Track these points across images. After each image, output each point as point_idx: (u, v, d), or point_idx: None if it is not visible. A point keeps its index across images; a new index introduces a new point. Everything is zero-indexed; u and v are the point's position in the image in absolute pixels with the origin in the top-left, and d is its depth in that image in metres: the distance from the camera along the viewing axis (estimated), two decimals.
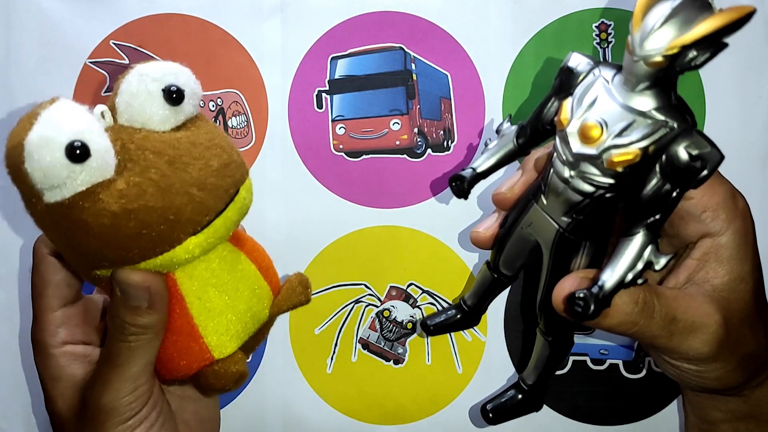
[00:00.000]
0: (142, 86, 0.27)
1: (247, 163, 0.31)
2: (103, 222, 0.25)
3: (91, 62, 0.44)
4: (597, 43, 0.44)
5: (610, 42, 0.44)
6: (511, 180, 0.33)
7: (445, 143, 0.45)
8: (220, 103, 0.45)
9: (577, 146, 0.26)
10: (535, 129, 0.31)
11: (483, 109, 0.45)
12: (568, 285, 0.28)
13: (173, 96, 0.27)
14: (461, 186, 0.33)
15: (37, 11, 0.44)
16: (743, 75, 0.43)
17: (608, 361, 0.45)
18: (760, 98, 0.43)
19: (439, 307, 0.45)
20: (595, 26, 0.44)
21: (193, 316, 0.30)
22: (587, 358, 0.45)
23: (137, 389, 0.30)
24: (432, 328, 0.38)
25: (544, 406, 0.44)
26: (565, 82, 0.28)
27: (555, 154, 0.28)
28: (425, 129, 0.45)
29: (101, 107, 0.27)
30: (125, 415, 0.29)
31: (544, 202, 0.29)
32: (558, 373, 0.44)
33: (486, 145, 0.33)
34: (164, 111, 0.27)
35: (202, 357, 0.30)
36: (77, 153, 0.24)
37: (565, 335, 0.32)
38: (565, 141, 0.27)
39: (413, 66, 0.45)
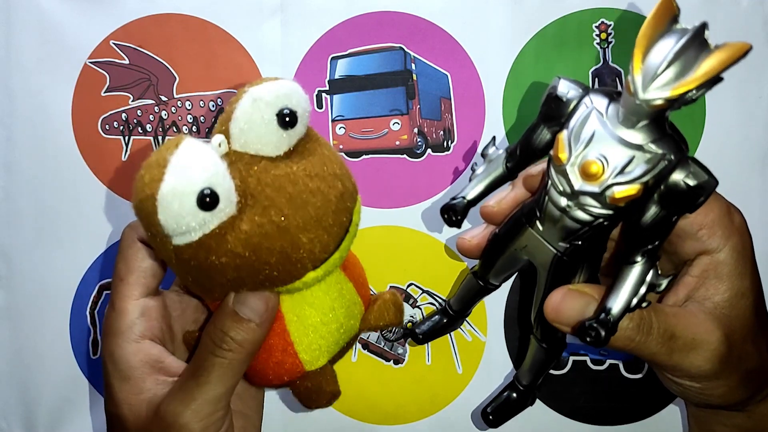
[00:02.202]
0: (257, 113, 0.27)
1: None
2: (228, 262, 0.26)
3: (91, 62, 0.44)
4: (597, 43, 0.44)
5: (610, 42, 0.44)
6: (500, 194, 0.33)
7: (445, 143, 0.45)
8: (220, 103, 0.45)
9: (578, 183, 0.26)
10: (525, 154, 0.31)
11: (483, 109, 0.45)
12: (556, 298, 0.29)
13: (286, 119, 0.27)
14: (454, 216, 0.33)
15: (37, 11, 0.44)
16: (743, 75, 0.43)
17: (608, 361, 0.44)
18: (760, 98, 0.43)
19: (439, 307, 0.45)
20: (595, 26, 0.44)
21: (290, 333, 0.30)
22: (587, 358, 0.45)
23: (216, 413, 0.29)
24: (421, 336, 0.38)
25: (545, 406, 0.44)
26: (555, 110, 0.28)
27: (550, 183, 0.28)
28: (425, 129, 0.45)
29: (219, 138, 0.27)
30: None
31: (540, 227, 0.29)
32: (558, 373, 0.45)
33: (473, 170, 0.33)
34: (278, 137, 0.27)
35: (294, 370, 0.31)
36: (207, 201, 0.24)
37: (559, 342, 0.33)
38: (564, 176, 0.27)
39: (413, 66, 0.45)
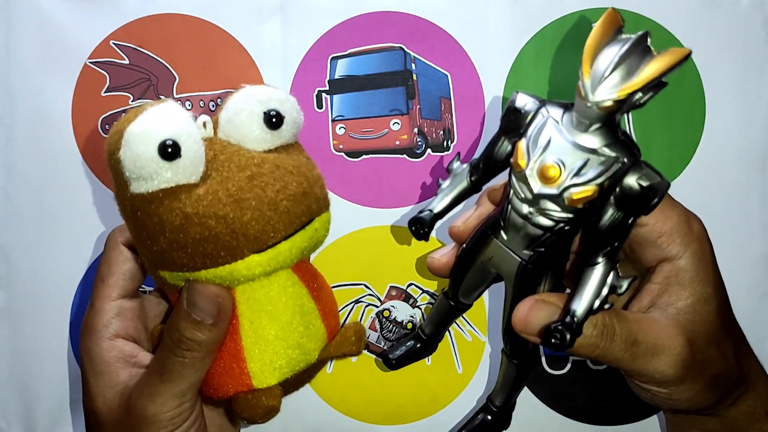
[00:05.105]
0: (246, 105, 0.29)
1: None
2: (174, 221, 0.26)
3: (91, 62, 0.44)
4: None
5: None
6: (466, 214, 0.34)
7: (445, 143, 0.45)
8: (220, 103, 0.45)
9: (537, 187, 0.27)
10: (488, 166, 0.32)
11: (483, 109, 0.45)
12: (523, 309, 0.29)
13: (272, 120, 0.29)
14: (421, 229, 0.33)
15: (37, 11, 0.44)
16: (743, 75, 0.43)
17: None
18: (760, 98, 0.43)
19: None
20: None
21: (241, 338, 0.30)
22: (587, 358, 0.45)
23: (182, 405, 0.30)
24: (394, 362, 0.38)
25: (545, 406, 0.44)
26: (514, 122, 0.29)
27: (512, 192, 0.29)
28: (425, 129, 0.45)
29: (204, 117, 0.29)
30: (167, 428, 0.30)
31: (504, 237, 0.30)
32: (558, 373, 0.45)
33: (439, 185, 0.34)
34: (261, 132, 0.29)
35: (241, 381, 0.30)
36: (168, 151, 0.26)
37: (529, 357, 0.33)
38: (524, 181, 0.28)
39: (413, 66, 0.45)
